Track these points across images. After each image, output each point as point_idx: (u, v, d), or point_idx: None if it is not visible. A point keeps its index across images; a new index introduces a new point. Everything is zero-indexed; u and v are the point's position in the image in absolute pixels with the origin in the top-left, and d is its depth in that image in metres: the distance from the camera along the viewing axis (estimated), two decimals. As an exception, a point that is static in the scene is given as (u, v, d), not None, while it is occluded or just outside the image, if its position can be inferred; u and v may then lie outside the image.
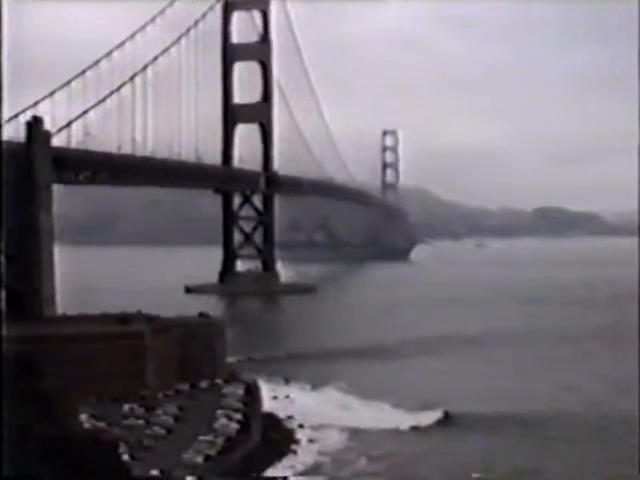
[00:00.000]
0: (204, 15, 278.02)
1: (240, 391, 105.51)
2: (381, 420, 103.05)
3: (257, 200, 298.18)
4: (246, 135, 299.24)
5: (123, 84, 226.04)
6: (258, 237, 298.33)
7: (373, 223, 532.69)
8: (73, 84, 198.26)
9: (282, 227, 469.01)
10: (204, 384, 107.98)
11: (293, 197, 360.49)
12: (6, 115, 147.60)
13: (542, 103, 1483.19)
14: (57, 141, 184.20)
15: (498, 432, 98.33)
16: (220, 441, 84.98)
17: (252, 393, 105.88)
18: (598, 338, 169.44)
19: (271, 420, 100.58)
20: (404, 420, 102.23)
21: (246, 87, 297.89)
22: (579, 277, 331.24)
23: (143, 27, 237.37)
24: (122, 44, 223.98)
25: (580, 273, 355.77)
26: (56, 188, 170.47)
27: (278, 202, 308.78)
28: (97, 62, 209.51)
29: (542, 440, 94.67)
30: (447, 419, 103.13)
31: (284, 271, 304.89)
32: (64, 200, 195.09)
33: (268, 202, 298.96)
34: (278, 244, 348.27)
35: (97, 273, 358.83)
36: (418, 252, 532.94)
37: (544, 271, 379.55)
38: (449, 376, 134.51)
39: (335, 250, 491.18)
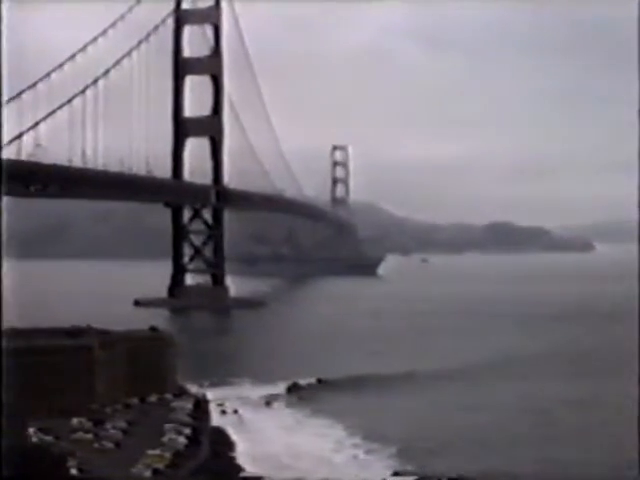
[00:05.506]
0: (156, 28, 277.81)
1: (189, 405, 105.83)
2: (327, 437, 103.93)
3: (207, 214, 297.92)
4: (196, 149, 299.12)
5: (74, 96, 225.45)
6: (208, 251, 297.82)
7: (332, 237, 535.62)
8: (24, 96, 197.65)
9: (246, 240, 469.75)
10: (153, 398, 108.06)
11: (260, 211, 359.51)
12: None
13: (494, 119, 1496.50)
14: (7, 153, 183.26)
15: None
16: (169, 455, 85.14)
17: (201, 408, 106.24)
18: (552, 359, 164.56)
19: (220, 435, 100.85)
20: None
21: (197, 101, 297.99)
22: (526, 292, 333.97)
23: (95, 39, 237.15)
24: (73, 56, 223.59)
25: (526, 288, 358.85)
26: (3, 200, 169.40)
27: (242, 215, 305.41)
28: (48, 74, 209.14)
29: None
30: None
31: (234, 285, 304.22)
32: (10, 212, 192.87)
33: (218, 216, 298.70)
34: (241, 257, 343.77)
35: (45, 287, 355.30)
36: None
37: (492, 286, 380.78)
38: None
39: (301, 264, 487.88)
